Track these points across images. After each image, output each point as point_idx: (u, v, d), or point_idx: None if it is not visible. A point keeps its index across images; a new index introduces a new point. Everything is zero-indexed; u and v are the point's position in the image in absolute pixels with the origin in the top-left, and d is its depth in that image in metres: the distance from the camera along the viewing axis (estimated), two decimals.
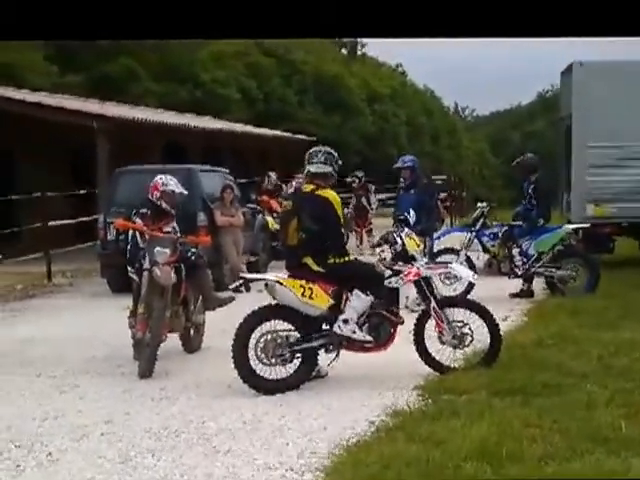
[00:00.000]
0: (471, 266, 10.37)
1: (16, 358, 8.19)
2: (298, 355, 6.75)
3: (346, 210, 17.68)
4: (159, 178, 8.06)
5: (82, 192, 17.12)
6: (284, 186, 17.55)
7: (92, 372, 7.50)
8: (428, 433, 5.23)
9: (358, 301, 6.80)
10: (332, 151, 7.06)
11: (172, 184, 8.02)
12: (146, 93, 27.78)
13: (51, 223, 14.98)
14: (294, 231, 6.85)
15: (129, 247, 8.06)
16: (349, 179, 19.16)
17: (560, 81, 16.00)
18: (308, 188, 6.93)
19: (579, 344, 7.68)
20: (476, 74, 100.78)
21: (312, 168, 6.92)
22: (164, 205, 7.96)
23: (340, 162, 7.11)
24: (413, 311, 7.72)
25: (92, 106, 19.90)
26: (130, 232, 8.05)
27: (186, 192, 8.33)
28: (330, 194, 6.85)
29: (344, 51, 51.33)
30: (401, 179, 10.81)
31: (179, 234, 8.03)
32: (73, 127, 17.05)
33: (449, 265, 8.20)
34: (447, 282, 9.89)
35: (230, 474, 4.83)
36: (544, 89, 65.21)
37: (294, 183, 15.74)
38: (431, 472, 4.58)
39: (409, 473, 4.57)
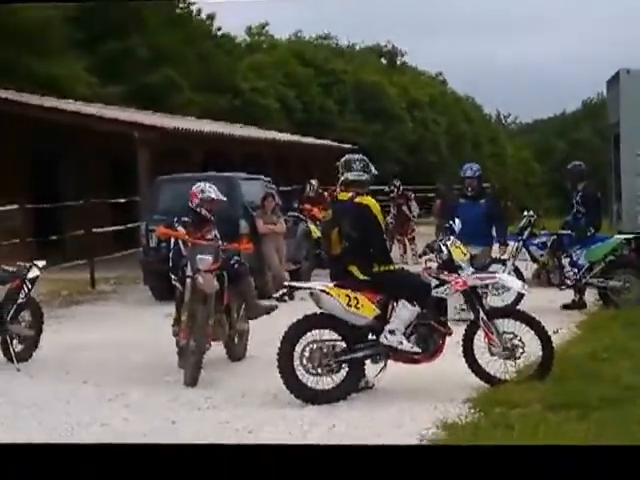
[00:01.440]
0: (519, 276, 10.16)
1: (62, 365, 8.21)
2: (344, 365, 6.66)
3: (387, 219, 17.56)
4: (197, 186, 8.09)
5: (124, 200, 17.23)
6: (326, 194, 17.48)
7: (137, 380, 7.47)
8: None
9: (405, 311, 6.69)
10: (366, 159, 7.02)
11: (211, 191, 8.02)
12: (187, 103, 27.96)
13: (94, 230, 15.09)
14: (337, 240, 6.78)
15: (171, 255, 8.05)
16: (387, 188, 19.05)
17: (607, 89, 15.80)
18: (346, 196, 6.85)
19: (635, 357, 7.47)
20: (519, 82, 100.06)
21: (351, 176, 6.86)
22: (204, 212, 7.96)
23: (376, 172, 7.05)
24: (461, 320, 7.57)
25: (133, 115, 20.05)
26: (172, 240, 8.05)
27: (225, 199, 8.32)
28: (370, 201, 6.79)
29: (383, 61, 51.35)
30: (469, 189, 10.38)
31: (220, 242, 8.01)
32: (115, 136, 17.18)
33: (497, 275, 8.07)
34: (495, 292, 9.70)
35: None
36: (589, 97, 64.55)
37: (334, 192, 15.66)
38: None
39: None
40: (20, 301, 8.28)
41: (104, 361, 8.32)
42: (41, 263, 8.65)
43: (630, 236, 11.55)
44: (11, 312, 8.23)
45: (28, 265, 8.51)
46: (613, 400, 6.04)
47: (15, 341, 8.31)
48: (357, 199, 6.77)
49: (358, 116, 38.25)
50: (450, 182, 21.62)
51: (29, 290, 8.36)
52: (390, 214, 18.16)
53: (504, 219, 10.52)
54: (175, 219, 8.02)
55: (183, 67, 28.83)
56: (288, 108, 34.17)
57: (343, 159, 7.03)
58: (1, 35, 21.37)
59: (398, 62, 52.30)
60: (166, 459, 2.58)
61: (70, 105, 19.06)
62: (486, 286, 8.18)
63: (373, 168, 7.03)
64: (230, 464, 2.55)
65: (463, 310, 7.34)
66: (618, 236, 11.28)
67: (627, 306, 10.15)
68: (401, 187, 18.94)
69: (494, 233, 10.47)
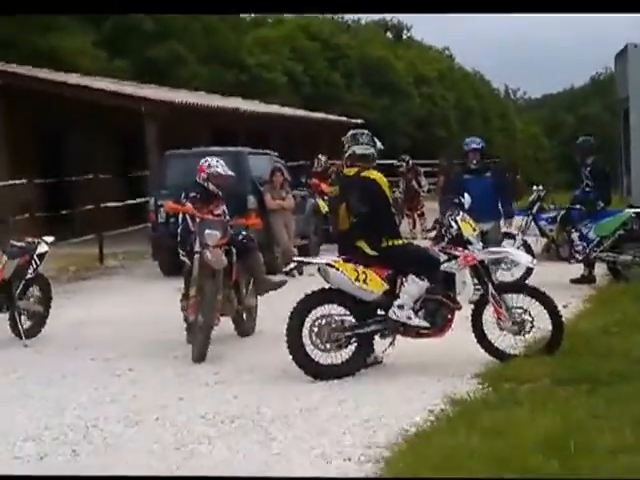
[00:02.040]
0: (528, 251, 10.09)
1: (70, 341, 8.18)
2: (353, 340, 6.63)
3: (397, 194, 17.48)
4: (204, 161, 8.04)
5: (132, 175, 17.19)
6: (333, 168, 17.39)
7: (146, 355, 7.44)
8: (490, 423, 5.05)
9: (413, 286, 6.65)
10: (371, 133, 6.98)
11: (218, 165, 7.97)
12: (193, 77, 27.81)
13: (103, 205, 15.05)
14: (345, 215, 6.75)
15: (180, 230, 8.01)
16: (397, 163, 18.94)
17: (615, 63, 15.68)
18: (352, 171, 6.81)
19: None
20: (527, 57, 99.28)
21: (358, 150, 6.82)
22: (211, 187, 7.92)
23: (381, 147, 6.99)
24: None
25: (140, 90, 19.95)
26: (180, 215, 7.99)
27: (233, 174, 8.26)
28: (376, 175, 6.75)
29: (389, 35, 50.93)
30: (473, 161, 9.96)
31: (228, 217, 7.96)
32: (122, 110, 17.11)
33: (506, 250, 8.01)
34: (504, 267, 9.63)
35: (286, 463, 4.70)
36: (597, 72, 64.01)
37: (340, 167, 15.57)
38: (495, 465, 4.39)
39: (472, 465, 4.39)
40: (29, 277, 8.24)
41: (112, 337, 8.31)
42: (49, 239, 8.62)
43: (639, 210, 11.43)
44: (20, 288, 8.19)
45: (37, 241, 8.47)
46: (623, 375, 5.98)
47: (23, 317, 8.27)
48: (363, 173, 6.74)
49: (365, 90, 38.02)
50: (452, 157, 21.46)
51: (37, 266, 8.31)
52: (399, 189, 18.07)
53: (510, 192, 10.33)
54: (183, 194, 7.97)
55: (188, 41, 28.65)
56: (295, 82, 33.97)
57: (348, 134, 7.00)
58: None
59: (404, 36, 51.88)
60: None
61: (79, 80, 18.96)
62: (495, 261, 8.13)
63: (379, 142, 6.98)
64: None
65: (478, 290, 7.30)
66: (628, 210, 11.19)
67: (637, 280, 10.08)
68: (410, 162, 18.82)
69: (500, 207, 10.28)
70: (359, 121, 25.21)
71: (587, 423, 4.97)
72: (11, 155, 16.36)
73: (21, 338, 8.09)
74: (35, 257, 8.26)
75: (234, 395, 6.09)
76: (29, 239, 8.56)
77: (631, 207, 12.00)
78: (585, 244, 10.53)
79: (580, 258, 10.60)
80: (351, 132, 7.01)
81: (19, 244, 8.40)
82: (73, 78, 19.03)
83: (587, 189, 10.94)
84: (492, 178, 9.95)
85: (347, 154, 6.87)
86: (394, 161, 18.73)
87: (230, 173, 8.13)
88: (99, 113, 17.65)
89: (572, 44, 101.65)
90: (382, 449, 4.85)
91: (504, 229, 10.45)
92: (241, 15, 37.77)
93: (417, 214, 17.92)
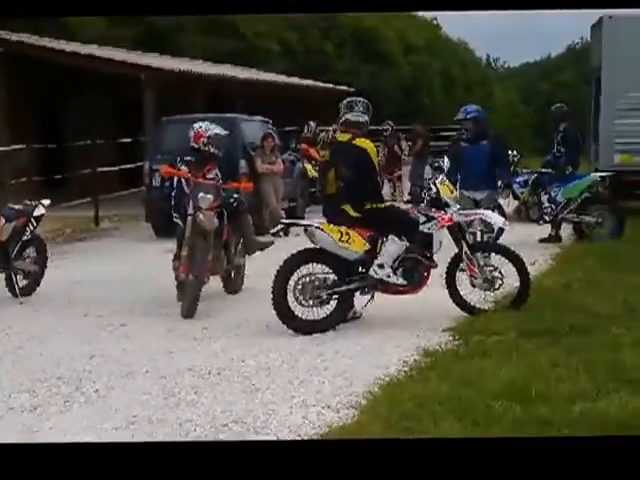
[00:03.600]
0: (501, 212, 10.08)
1: (65, 298, 8.11)
2: (335, 297, 6.67)
3: (380, 157, 17.39)
4: (199, 126, 7.91)
5: (129, 140, 17.05)
6: (322, 134, 17.27)
7: (137, 312, 7.41)
8: (460, 373, 5.15)
9: (393, 246, 6.70)
10: (367, 101, 6.94)
11: (215, 127, 7.88)
12: (190, 46, 27.48)
13: (99, 170, 14.94)
14: (332, 180, 6.74)
15: (174, 193, 7.95)
16: (381, 128, 18.84)
17: (590, 34, 15.59)
18: (345, 138, 6.79)
19: (605, 288, 7.50)
20: (506, 26, 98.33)
21: (351, 117, 6.80)
22: (212, 149, 7.77)
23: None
24: None
25: (139, 58, 19.72)
26: (175, 179, 7.94)
27: (227, 132, 8.18)
28: (367, 144, 6.74)
29: None
30: (464, 130, 9.20)
31: (221, 181, 7.92)
32: (121, 78, 16.92)
33: (481, 211, 8.05)
34: (479, 229, 9.62)
35: (269, 411, 4.76)
36: (573, 41, 63.53)
37: (331, 133, 15.48)
38: (463, 411, 4.46)
39: (442, 412, 4.47)
40: (25, 238, 8.12)
41: (105, 294, 8.22)
42: (47, 201, 8.46)
43: (605, 174, 11.48)
44: (16, 249, 8.05)
45: (34, 203, 8.34)
46: (582, 328, 6.07)
47: (19, 276, 8.14)
48: (356, 141, 6.72)
49: (356, 59, 37.68)
50: (426, 123, 21.35)
51: (34, 227, 8.20)
52: (381, 154, 17.96)
53: (508, 161, 9.94)
54: (178, 158, 7.91)
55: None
56: (289, 51, 33.64)
57: (345, 100, 6.97)
58: None
59: None
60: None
61: (77, 47, 18.70)
62: (471, 222, 8.16)
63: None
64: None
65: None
66: (594, 174, 11.24)
67: (600, 240, 10.18)
68: (394, 127, 18.73)
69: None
70: (347, 88, 24.99)
71: (548, 372, 5.06)
72: (10, 121, 16.17)
73: (16, 296, 7.98)
74: (32, 219, 8.13)
75: (221, 349, 6.13)
76: (27, 202, 8.43)
77: (597, 171, 12.05)
78: (553, 206, 10.62)
79: (548, 219, 10.69)
80: (347, 99, 7.00)
81: (16, 207, 8.27)
82: (72, 46, 18.77)
83: (558, 154, 10.98)
84: (489, 146, 9.07)
85: (341, 120, 6.86)
86: (378, 127, 18.63)
87: (223, 132, 8.04)
88: (98, 80, 17.46)
89: (552, 13, 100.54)
90: (358, 397, 4.91)
91: (501, 200, 9.92)
92: None
93: (395, 177, 17.84)
